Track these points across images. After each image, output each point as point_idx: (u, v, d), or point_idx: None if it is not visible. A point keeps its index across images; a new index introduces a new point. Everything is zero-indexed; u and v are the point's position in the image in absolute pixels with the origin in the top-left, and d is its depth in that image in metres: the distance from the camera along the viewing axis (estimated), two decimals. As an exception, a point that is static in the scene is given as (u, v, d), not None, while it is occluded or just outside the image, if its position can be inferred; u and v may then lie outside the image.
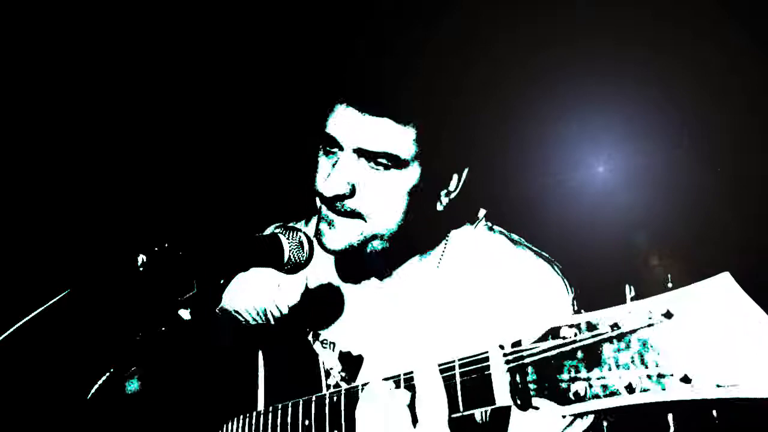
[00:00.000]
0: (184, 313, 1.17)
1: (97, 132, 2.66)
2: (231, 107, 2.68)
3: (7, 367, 1.06)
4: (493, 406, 1.02)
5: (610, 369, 0.88)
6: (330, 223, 1.49)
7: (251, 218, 1.98)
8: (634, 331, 0.87)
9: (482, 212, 1.67)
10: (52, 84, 2.60)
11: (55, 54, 2.57)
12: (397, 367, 1.56)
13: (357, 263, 1.61)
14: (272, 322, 1.82)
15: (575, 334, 0.93)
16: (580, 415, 0.95)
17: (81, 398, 1.49)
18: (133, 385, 1.61)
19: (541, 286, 1.52)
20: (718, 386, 0.80)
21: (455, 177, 1.55)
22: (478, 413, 1.09)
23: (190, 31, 2.60)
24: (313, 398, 1.33)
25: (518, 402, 0.98)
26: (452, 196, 1.55)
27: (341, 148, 1.46)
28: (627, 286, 0.92)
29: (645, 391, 0.84)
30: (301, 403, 1.36)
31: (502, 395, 1.00)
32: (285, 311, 1.80)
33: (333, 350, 1.68)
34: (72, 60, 2.59)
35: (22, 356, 1.06)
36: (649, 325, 0.86)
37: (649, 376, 0.85)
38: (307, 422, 1.33)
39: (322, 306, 1.72)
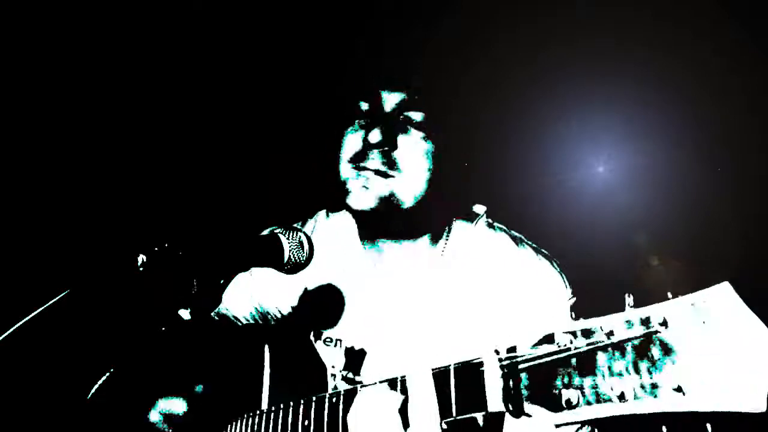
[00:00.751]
0: (184, 313, 1.17)
1: (97, 132, 2.66)
2: (230, 107, 2.68)
3: (7, 367, 1.06)
4: (485, 412, 1.01)
5: (603, 377, 0.87)
6: (364, 184, 1.52)
7: (251, 218, 1.98)
8: (629, 339, 0.86)
9: (482, 209, 1.68)
10: (52, 84, 2.60)
11: (55, 54, 2.57)
12: (398, 362, 1.57)
13: (380, 223, 1.64)
14: (272, 322, 1.82)
15: (570, 341, 0.92)
16: (591, 428, 0.93)
17: (81, 398, 1.49)
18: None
19: (540, 283, 1.53)
20: (712, 399, 0.79)
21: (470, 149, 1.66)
22: (479, 417, 1.09)
23: (190, 32, 2.60)
24: (313, 399, 1.33)
25: (510, 408, 0.97)
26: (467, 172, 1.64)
27: (380, 113, 1.57)
28: (627, 295, 0.90)
29: (638, 399, 0.83)
30: (301, 403, 1.36)
31: (495, 401, 1.00)
32: (286, 312, 1.81)
33: (338, 347, 1.69)
34: (72, 60, 2.59)
35: (22, 356, 1.06)
36: (646, 334, 0.85)
37: (642, 386, 0.84)
38: (306, 423, 1.34)
39: (323, 304, 1.73)
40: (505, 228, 1.66)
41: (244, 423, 1.51)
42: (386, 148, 1.54)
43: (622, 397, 0.85)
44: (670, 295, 0.87)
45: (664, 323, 0.84)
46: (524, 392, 0.96)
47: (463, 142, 1.62)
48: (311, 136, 1.60)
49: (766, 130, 2.18)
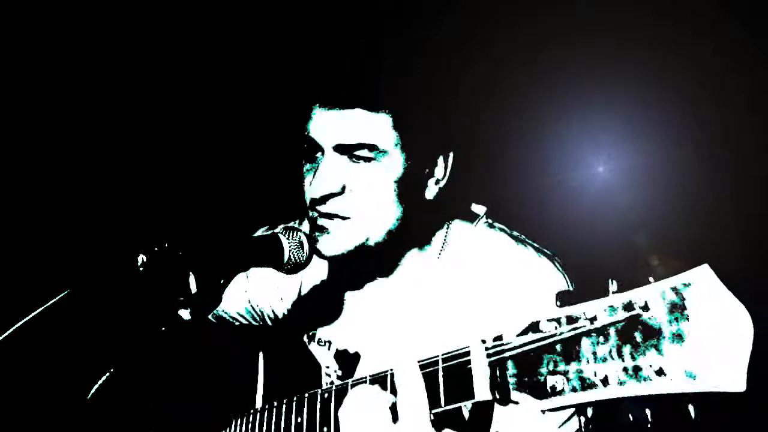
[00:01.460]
0: (184, 313, 1.17)
1: (97, 132, 2.66)
2: (230, 107, 2.68)
3: (7, 367, 1.06)
4: (473, 401, 1.02)
5: (588, 362, 0.89)
6: (322, 229, 1.48)
7: (250, 218, 1.98)
8: (612, 324, 0.88)
9: (482, 209, 1.67)
10: (51, 84, 2.60)
11: (55, 54, 2.58)
12: (389, 364, 1.56)
13: (354, 267, 1.61)
14: (269, 323, 1.82)
15: (555, 328, 0.94)
16: (577, 413, 0.95)
17: (81, 398, 1.49)
18: None
19: (543, 283, 1.52)
20: (693, 379, 0.80)
21: (441, 162, 1.54)
22: (465, 408, 1.09)
23: (189, 32, 2.60)
24: (306, 395, 1.33)
25: (497, 396, 0.98)
26: (442, 184, 1.55)
27: (323, 152, 1.46)
28: (610, 280, 0.92)
29: (621, 384, 0.85)
30: (294, 400, 1.36)
31: (482, 390, 1.01)
32: (282, 312, 1.80)
33: (329, 349, 1.68)
34: (72, 60, 2.59)
35: (22, 356, 1.06)
36: (628, 318, 0.87)
37: (625, 369, 0.85)
38: (299, 419, 1.34)
39: (318, 305, 1.72)
40: (505, 228, 1.65)
41: (238, 423, 1.51)
42: (332, 197, 1.45)
43: (605, 382, 0.86)
44: (651, 279, 0.88)
45: (646, 307, 0.86)
46: (511, 380, 0.97)
47: (454, 142, 1.57)
48: (296, 146, 1.57)
49: (766, 130, 2.18)
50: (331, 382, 1.64)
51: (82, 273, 1.12)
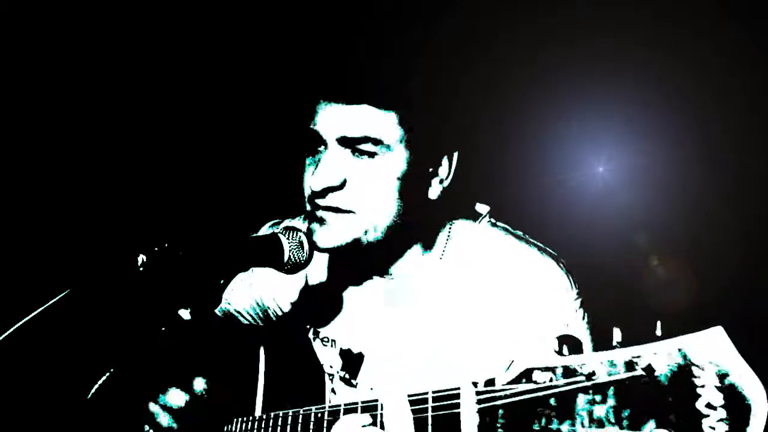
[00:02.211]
0: (184, 313, 1.17)
1: (97, 132, 2.65)
2: (229, 107, 2.68)
3: (7, 367, 1.06)
4: None
5: (582, 423, 0.82)
6: (321, 221, 1.48)
7: (251, 218, 1.98)
8: (611, 383, 0.81)
9: (485, 209, 1.67)
10: (51, 84, 2.60)
11: (54, 54, 2.57)
12: (395, 367, 1.56)
13: (353, 262, 1.61)
14: (273, 318, 1.82)
15: (550, 379, 0.88)
16: None
17: (81, 398, 1.49)
18: None
19: (546, 283, 1.52)
20: None
21: (445, 162, 1.54)
22: None
23: (189, 32, 2.60)
24: (300, 412, 1.33)
25: None
26: (446, 183, 1.55)
27: (326, 145, 1.46)
28: (614, 329, 0.85)
29: None
30: (290, 415, 1.36)
31: None
32: (285, 309, 1.81)
33: (333, 347, 1.68)
34: (71, 60, 2.59)
35: (22, 356, 1.06)
36: (629, 379, 0.80)
37: None
38: None
39: (322, 303, 1.72)
40: (508, 227, 1.65)
41: (234, 428, 1.51)
42: (334, 190, 1.45)
43: None
44: (659, 331, 0.81)
45: (649, 368, 0.79)
46: (500, 431, 0.92)
47: (461, 142, 1.57)
48: (299, 140, 1.57)
49: (766, 130, 2.18)
50: (333, 387, 1.64)
51: (82, 273, 1.12)
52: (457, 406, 1.01)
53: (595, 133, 2.32)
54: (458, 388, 1.02)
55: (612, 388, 0.81)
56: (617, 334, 0.85)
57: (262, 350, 1.56)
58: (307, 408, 1.32)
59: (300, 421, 1.32)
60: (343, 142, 1.44)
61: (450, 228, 1.63)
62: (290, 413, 1.36)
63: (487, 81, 1.95)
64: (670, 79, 2.20)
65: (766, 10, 2.14)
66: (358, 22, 2.36)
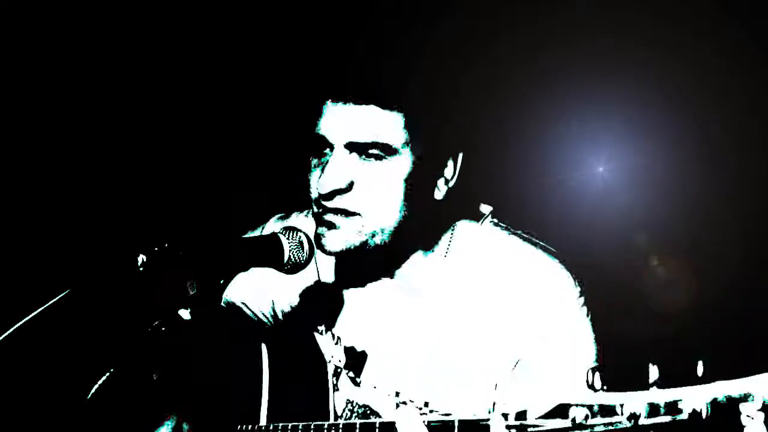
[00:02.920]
0: (184, 313, 1.17)
1: (97, 132, 2.65)
2: (230, 107, 2.68)
3: (7, 367, 1.06)
4: None
5: None
6: (329, 225, 1.48)
7: (251, 217, 1.98)
8: (653, 426, 0.78)
9: (488, 209, 1.67)
10: (51, 84, 2.59)
11: (54, 54, 2.57)
12: (398, 367, 1.56)
13: (358, 265, 1.61)
14: (280, 316, 1.82)
15: (586, 417, 0.84)
16: None
17: (81, 398, 1.49)
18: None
19: (549, 281, 1.52)
20: None
21: (450, 163, 1.55)
22: None
23: (189, 31, 2.60)
24: (312, 426, 1.32)
25: None
26: (451, 184, 1.55)
27: (332, 147, 1.47)
28: (651, 367, 0.80)
29: None
30: (300, 428, 1.36)
31: None
32: (292, 305, 1.81)
33: (338, 345, 1.69)
34: (71, 60, 2.58)
35: (22, 356, 1.06)
36: (672, 422, 0.76)
37: None
38: None
39: (328, 302, 1.73)
40: (511, 227, 1.65)
41: None
42: (340, 193, 1.45)
43: None
44: (700, 371, 0.77)
45: (694, 414, 0.75)
46: None
47: (461, 143, 1.57)
48: (304, 142, 1.57)
49: (766, 130, 2.18)
50: (338, 385, 1.64)
51: (82, 273, 1.12)
52: None
53: (595, 133, 2.32)
54: (487, 420, 0.98)
55: (653, 431, 0.78)
56: (654, 372, 0.81)
57: (264, 348, 1.57)
58: (318, 423, 1.31)
59: None
60: (351, 146, 1.44)
61: (454, 229, 1.63)
62: (300, 426, 1.35)
63: (487, 81, 1.95)
64: (670, 79, 2.20)
65: (766, 10, 2.14)
66: (362, 21, 2.37)
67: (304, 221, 1.82)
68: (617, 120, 2.26)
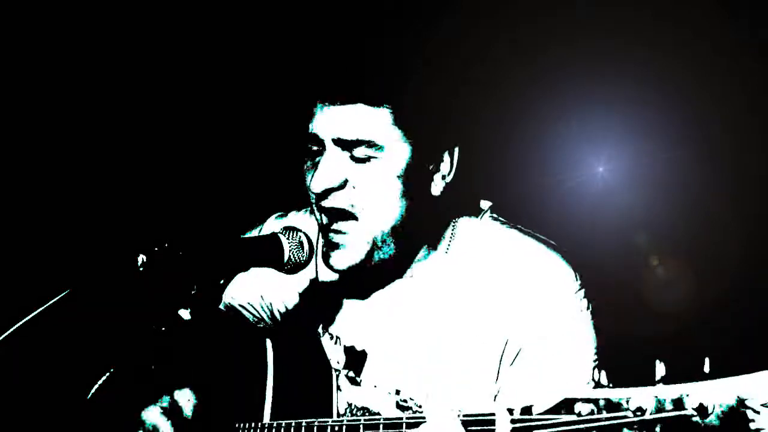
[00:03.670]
0: (184, 313, 1.17)
1: (97, 132, 2.65)
2: (230, 107, 2.68)
3: (7, 367, 1.06)
4: None
5: None
6: (334, 245, 1.49)
7: (251, 217, 1.98)
8: (659, 421, 0.78)
9: (487, 204, 1.68)
10: (51, 84, 2.60)
11: (54, 53, 2.57)
12: (399, 366, 1.56)
13: (364, 279, 1.61)
14: (279, 317, 1.82)
15: (592, 411, 0.84)
16: None
17: (81, 398, 1.49)
18: None
19: (549, 275, 1.53)
20: None
21: (446, 157, 1.55)
22: None
23: (188, 31, 2.60)
24: (315, 424, 1.32)
25: None
26: (448, 179, 1.56)
27: (323, 146, 1.47)
28: (657, 363, 0.81)
29: None
30: (303, 426, 1.36)
31: None
32: (292, 305, 1.81)
33: (338, 344, 1.69)
34: (71, 60, 2.59)
35: (22, 356, 1.06)
36: (677, 416, 0.77)
37: None
38: None
39: (329, 301, 1.73)
40: (509, 221, 1.66)
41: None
42: (336, 191, 1.46)
43: None
44: (707, 368, 0.78)
45: (701, 409, 0.76)
46: None
47: (456, 138, 1.57)
48: (299, 144, 1.57)
49: (766, 130, 2.18)
50: (339, 385, 1.64)
51: (82, 273, 1.12)
52: None
53: (595, 133, 2.32)
54: (493, 414, 0.98)
55: (660, 425, 0.78)
56: (661, 369, 0.82)
57: (269, 345, 1.57)
58: (322, 420, 1.31)
59: None
60: (340, 143, 1.45)
61: (454, 225, 1.64)
62: (303, 424, 1.35)
63: (487, 80, 1.95)
64: (670, 79, 2.20)
65: (766, 10, 2.14)
66: (350, 21, 2.37)
67: (302, 219, 1.82)
68: (617, 120, 2.26)
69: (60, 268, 2.28)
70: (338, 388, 1.64)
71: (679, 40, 2.18)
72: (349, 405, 1.63)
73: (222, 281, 1.26)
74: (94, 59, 2.59)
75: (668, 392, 0.79)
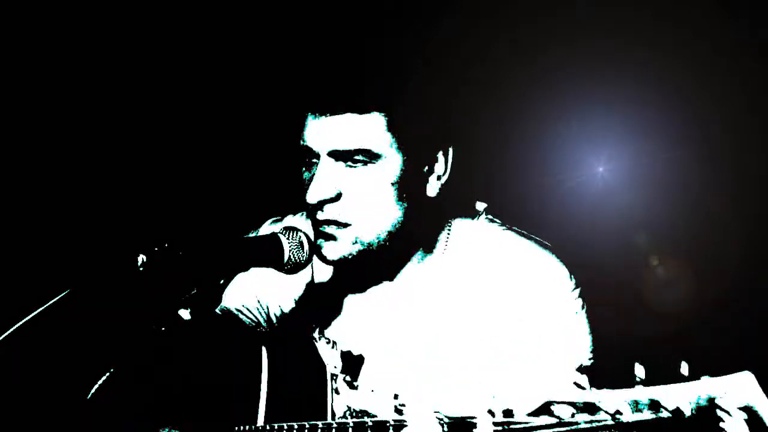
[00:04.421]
0: (184, 313, 1.17)
1: (97, 132, 2.66)
2: (230, 107, 2.68)
3: (7, 367, 1.06)
4: None
5: None
6: (327, 236, 1.49)
7: (251, 217, 1.98)
8: (636, 424, 0.79)
9: (482, 206, 1.68)
10: (51, 83, 2.60)
11: (54, 53, 2.57)
12: (397, 369, 1.56)
13: (359, 268, 1.61)
14: (275, 320, 1.82)
15: (572, 414, 0.84)
16: None
17: (81, 398, 1.49)
18: None
19: (544, 275, 1.53)
20: None
21: (441, 158, 1.54)
22: None
23: (188, 31, 2.60)
24: (306, 426, 1.32)
25: None
26: (444, 180, 1.55)
27: (318, 157, 1.46)
28: (637, 366, 0.82)
29: None
30: (294, 428, 1.35)
31: None
32: (288, 309, 1.80)
33: (335, 348, 1.69)
34: (70, 60, 2.59)
35: (22, 356, 1.06)
36: (654, 420, 0.78)
37: None
38: None
39: (325, 305, 1.73)
40: (505, 223, 1.66)
41: None
42: (330, 202, 1.45)
43: None
44: (684, 370, 0.79)
45: (676, 411, 0.77)
46: None
47: (460, 142, 1.58)
48: (294, 154, 1.57)
49: (766, 130, 2.18)
50: (337, 387, 1.64)
51: (82, 273, 1.12)
52: None
53: (595, 133, 2.32)
54: (474, 417, 0.98)
55: (636, 429, 0.79)
56: (640, 371, 0.82)
57: (264, 351, 1.56)
58: (313, 423, 1.31)
59: None
60: (335, 155, 1.44)
61: (449, 227, 1.63)
62: (295, 426, 1.35)
63: (486, 80, 1.95)
64: (670, 79, 2.20)
65: (766, 10, 2.14)
66: (341, 26, 2.37)
67: (299, 223, 1.82)
68: (617, 120, 2.26)
69: (60, 268, 2.28)
70: (336, 391, 1.64)
71: (679, 40, 2.19)
72: (348, 408, 1.62)
73: (222, 281, 1.26)
74: (93, 61, 2.60)
75: (645, 395, 0.80)
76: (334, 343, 1.68)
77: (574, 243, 1.67)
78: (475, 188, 1.71)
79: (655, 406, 0.79)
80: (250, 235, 1.91)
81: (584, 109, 2.27)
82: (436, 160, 1.53)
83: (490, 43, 2.21)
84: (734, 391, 0.76)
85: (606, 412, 0.82)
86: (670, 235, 2.29)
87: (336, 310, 1.70)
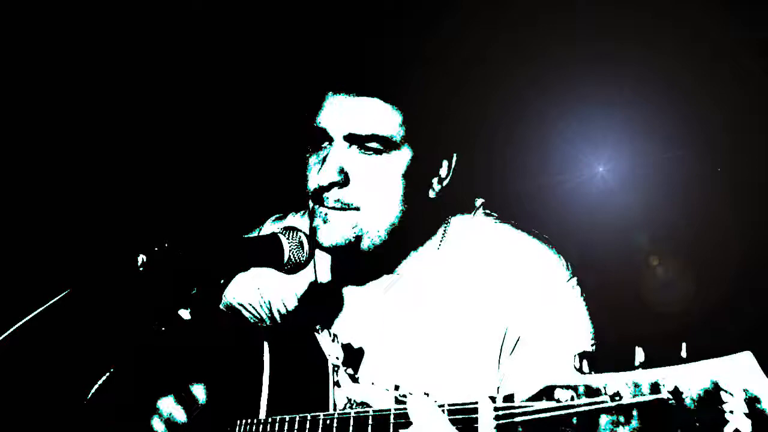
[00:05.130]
0: (184, 313, 1.17)
1: (97, 132, 2.66)
2: (230, 107, 2.68)
3: (7, 367, 1.06)
4: None
5: None
6: (324, 219, 1.49)
7: (251, 217, 1.98)
8: (636, 405, 0.79)
9: (479, 201, 1.69)
10: (51, 84, 2.60)
11: (54, 53, 2.57)
12: (396, 362, 1.56)
13: (355, 263, 1.61)
14: (277, 316, 1.83)
15: (572, 398, 0.86)
16: None
17: (81, 398, 1.49)
18: None
19: (541, 266, 1.53)
20: None
21: (445, 163, 1.55)
22: None
23: (189, 32, 2.60)
24: (308, 417, 1.33)
25: None
26: (445, 182, 1.56)
27: (331, 140, 1.47)
28: (637, 349, 0.83)
29: None
30: (296, 419, 1.36)
31: None
32: (291, 305, 1.81)
33: (336, 342, 1.69)
34: (70, 60, 2.59)
35: (22, 356, 1.06)
36: (654, 401, 0.78)
37: None
38: None
39: (326, 301, 1.73)
40: (501, 217, 1.67)
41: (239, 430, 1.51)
42: (339, 186, 1.46)
43: None
44: (684, 353, 0.80)
45: (676, 392, 0.77)
46: None
47: (458, 142, 1.58)
48: (302, 136, 1.57)
49: (766, 130, 2.18)
50: (338, 380, 1.65)
51: (82, 273, 1.12)
52: (475, 421, 0.98)
53: (595, 133, 2.32)
54: (476, 403, 1.00)
55: (636, 409, 0.79)
56: (640, 354, 0.83)
57: (266, 347, 1.57)
58: (315, 414, 1.32)
59: (307, 426, 1.31)
60: (351, 138, 1.45)
61: (447, 222, 1.64)
62: (297, 418, 1.35)
63: (487, 81, 1.95)
64: (670, 79, 2.20)
65: (766, 10, 2.14)
66: (364, 15, 2.37)
67: (300, 222, 1.82)
68: (617, 120, 2.26)
69: (60, 268, 2.28)
70: (338, 384, 1.65)
71: (679, 40, 2.19)
72: (349, 400, 1.63)
73: (222, 281, 1.26)
74: (94, 59, 2.60)
75: (646, 377, 0.80)
76: (335, 336, 1.69)
77: (575, 243, 1.67)
78: (475, 188, 1.71)
79: (654, 387, 0.79)
80: (252, 234, 1.92)
81: (584, 109, 2.27)
82: (441, 165, 1.55)
83: (490, 43, 2.21)
84: (735, 370, 0.76)
85: (605, 394, 0.82)
86: (669, 234, 2.29)
87: (338, 307, 1.71)
